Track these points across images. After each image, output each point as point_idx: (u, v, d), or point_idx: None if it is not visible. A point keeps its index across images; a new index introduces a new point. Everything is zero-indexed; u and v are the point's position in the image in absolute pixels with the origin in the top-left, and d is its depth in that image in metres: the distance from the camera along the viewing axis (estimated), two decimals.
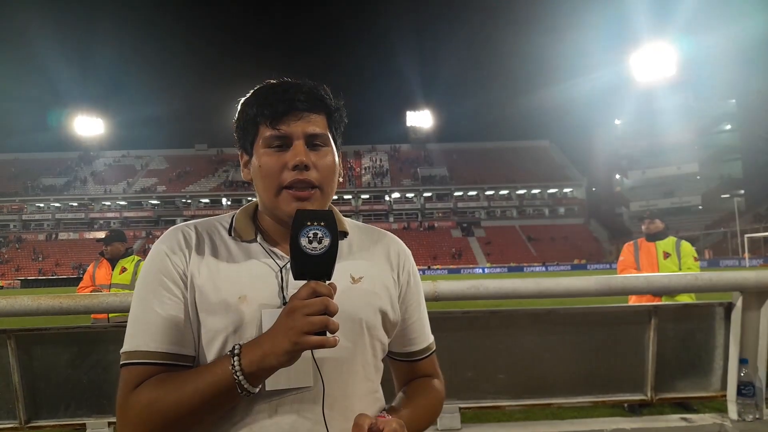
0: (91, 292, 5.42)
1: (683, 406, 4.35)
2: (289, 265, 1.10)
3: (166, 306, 1.08)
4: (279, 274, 1.11)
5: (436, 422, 2.56)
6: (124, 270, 5.57)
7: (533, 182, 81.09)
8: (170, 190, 79.06)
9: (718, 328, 2.71)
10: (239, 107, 1.17)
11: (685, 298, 4.50)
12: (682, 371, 2.72)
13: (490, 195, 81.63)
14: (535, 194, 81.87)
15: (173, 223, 76.97)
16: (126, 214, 76.93)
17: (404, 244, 1.32)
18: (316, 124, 1.12)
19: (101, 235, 6.44)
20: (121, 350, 1.07)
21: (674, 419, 2.65)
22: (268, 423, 1.05)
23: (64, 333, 2.49)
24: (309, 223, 0.97)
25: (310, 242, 0.96)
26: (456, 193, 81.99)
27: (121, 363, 1.06)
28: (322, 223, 0.97)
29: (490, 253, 66.86)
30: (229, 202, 78.06)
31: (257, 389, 0.99)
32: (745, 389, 2.59)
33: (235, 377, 0.96)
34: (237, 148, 1.21)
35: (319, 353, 1.05)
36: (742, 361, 2.61)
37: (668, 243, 5.28)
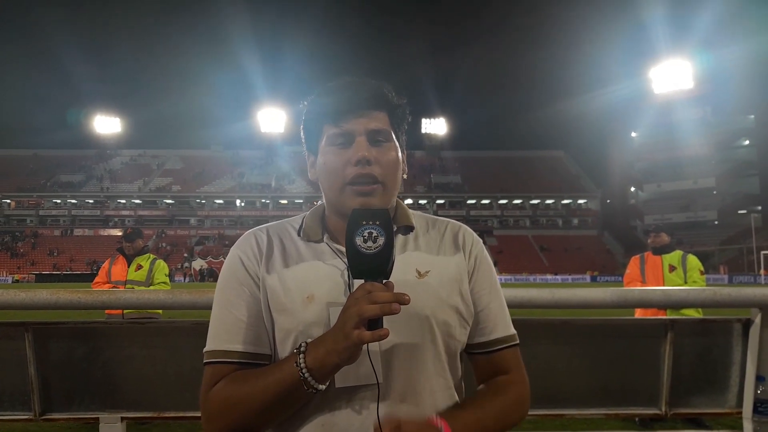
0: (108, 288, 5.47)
1: (696, 422, 4.30)
2: None
3: (242, 308, 1.13)
4: (345, 272, 1.12)
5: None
6: (140, 267, 5.60)
7: (547, 192, 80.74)
8: (185, 190, 79.42)
9: (736, 344, 2.67)
10: (304, 109, 1.20)
11: (691, 313, 4.45)
12: (698, 387, 2.69)
13: (504, 204, 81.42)
14: (548, 204, 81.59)
15: (187, 222, 78.49)
16: (141, 212, 77.51)
17: (472, 231, 1.29)
18: (377, 121, 1.14)
19: (116, 232, 6.52)
20: (203, 350, 1.13)
21: None
22: (336, 419, 1.07)
23: (80, 327, 2.51)
24: (364, 222, 0.98)
25: (365, 241, 0.97)
26: (469, 201, 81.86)
27: (203, 362, 1.12)
28: (378, 222, 0.98)
29: (502, 261, 66.57)
30: (243, 204, 77.85)
31: (324, 386, 1.01)
32: (762, 407, 2.56)
33: (301, 374, 0.98)
34: (304, 150, 1.24)
35: (387, 350, 1.08)
36: (759, 379, 2.58)
37: (674, 256, 5.28)
